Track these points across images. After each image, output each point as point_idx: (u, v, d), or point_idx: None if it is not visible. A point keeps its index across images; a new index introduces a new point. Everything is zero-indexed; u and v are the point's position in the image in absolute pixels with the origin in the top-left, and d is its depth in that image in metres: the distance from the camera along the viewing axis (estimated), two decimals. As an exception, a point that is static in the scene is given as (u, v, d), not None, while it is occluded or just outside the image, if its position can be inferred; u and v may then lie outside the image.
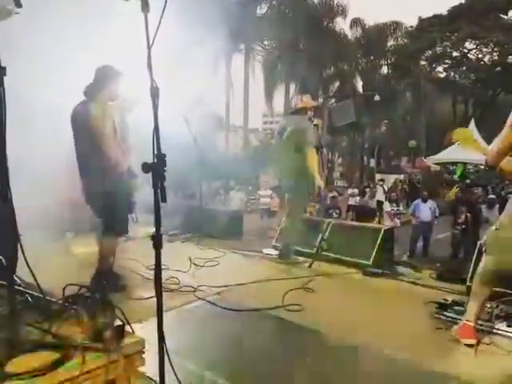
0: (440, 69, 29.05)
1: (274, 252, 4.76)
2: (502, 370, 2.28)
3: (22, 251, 1.46)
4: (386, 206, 11.34)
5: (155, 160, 1.55)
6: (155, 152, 1.55)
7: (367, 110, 24.20)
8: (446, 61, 28.19)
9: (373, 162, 25.47)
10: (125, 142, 3.27)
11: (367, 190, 13.38)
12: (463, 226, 8.01)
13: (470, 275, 3.40)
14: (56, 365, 1.35)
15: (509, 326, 2.67)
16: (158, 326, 1.59)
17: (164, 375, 1.63)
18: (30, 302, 1.67)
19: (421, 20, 27.62)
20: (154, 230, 1.60)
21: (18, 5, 2.03)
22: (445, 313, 2.93)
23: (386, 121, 29.88)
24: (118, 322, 1.54)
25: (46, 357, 1.37)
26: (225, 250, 4.79)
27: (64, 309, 1.59)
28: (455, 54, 27.80)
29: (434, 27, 26.33)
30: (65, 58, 3.76)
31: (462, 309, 2.81)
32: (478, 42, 26.44)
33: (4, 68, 1.36)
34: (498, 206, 8.09)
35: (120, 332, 1.51)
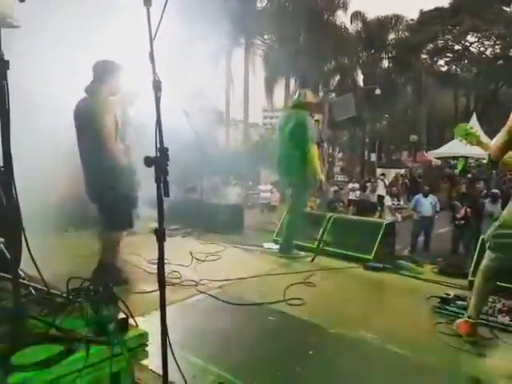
0: (441, 62, 28.93)
1: (275, 246, 4.76)
2: (504, 364, 2.28)
3: (27, 244, 1.47)
4: (387, 201, 11.36)
5: (158, 154, 1.55)
6: (158, 146, 1.54)
7: (368, 104, 24.08)
8: (448, 54, 28.01)
9: (373, 157, 25.38)
10: (126, 137, 3.27)
11: (368, 184, 13.38)
12: (462, 222, 8.01)
13: (472, 270, 3.41)
14: (60, 358, 1.36)
15: (511, 320, 2.68)
16: (161, 318, 1.60)
17: (167, 368, 1.64)
18: (34, 295, 1.68)
19: (422, 13, 27.39)
20: (157, 224, 1.61)
21: None
22: (447, 307, 2.93)
23: (386, 115, 29.75)
24: (121, 315, 1.55)
25: (51, 350, 1.38)
26: (226, 245, 4.80)
27: (68, 302, 1.60)
28: (457, 47, 27.61)
29: (436, 20, 26.10)
30: (66, 54, 3.74)
31: (464, 303, 2.81)
32: (480, 35, 26.23)
33: (7, 61, 1.35)
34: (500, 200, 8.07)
35: (124, 325, 1.52)
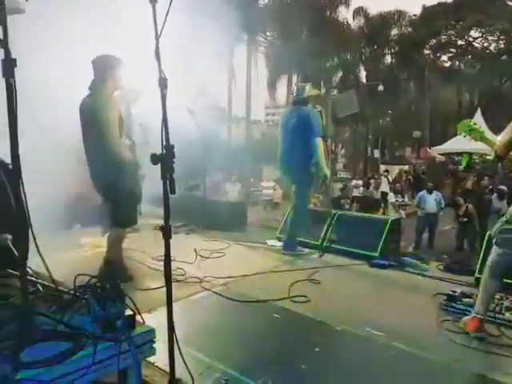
0: (445, 58, 28.72)
1: (279, 243, 4.76)
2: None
3: (35, 240, 1.47)
4: (391, 197, 11.32)
5: (164, 151, 1.55)
6: (164, 143, 1.54)
7: (371, 101, 23.96)
8: (451, 49, 27.80)
9: (377, 153, 25.30)
10: (132, 133, 3.27)
11: (371, 180, 13.34)
12: (465, 219, 7.97)
13: (478, 267, 3.39)
14: (68, 354, 1.37)
15: (518, 316, 2.66)
16: (168, 315, 1.60)
17: (174, 364, 1.64)
18: (41, 292, 1.69)
19: (425, 8, 27.16)
20: (163, 221, 1.61)
21: None
22: (453, 304, 2.91)
23: (389, 111, 29.61)
24: (128, 312, 1.55)
25: (59, 346, 1.39)
26: (229, 242, 4.80)
27: (75, 299, 1.60)
28: (460, 42, 27.40)
29: (439, 15, 25.91)
30: (67, 52, 3.75)
31: (471, 300, 2.79)
32: (483, 30, 26.04)
33: (14, 60, 1.35)
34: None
35: (131, 322, 1.52)
